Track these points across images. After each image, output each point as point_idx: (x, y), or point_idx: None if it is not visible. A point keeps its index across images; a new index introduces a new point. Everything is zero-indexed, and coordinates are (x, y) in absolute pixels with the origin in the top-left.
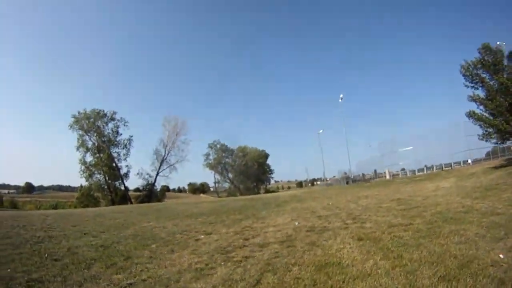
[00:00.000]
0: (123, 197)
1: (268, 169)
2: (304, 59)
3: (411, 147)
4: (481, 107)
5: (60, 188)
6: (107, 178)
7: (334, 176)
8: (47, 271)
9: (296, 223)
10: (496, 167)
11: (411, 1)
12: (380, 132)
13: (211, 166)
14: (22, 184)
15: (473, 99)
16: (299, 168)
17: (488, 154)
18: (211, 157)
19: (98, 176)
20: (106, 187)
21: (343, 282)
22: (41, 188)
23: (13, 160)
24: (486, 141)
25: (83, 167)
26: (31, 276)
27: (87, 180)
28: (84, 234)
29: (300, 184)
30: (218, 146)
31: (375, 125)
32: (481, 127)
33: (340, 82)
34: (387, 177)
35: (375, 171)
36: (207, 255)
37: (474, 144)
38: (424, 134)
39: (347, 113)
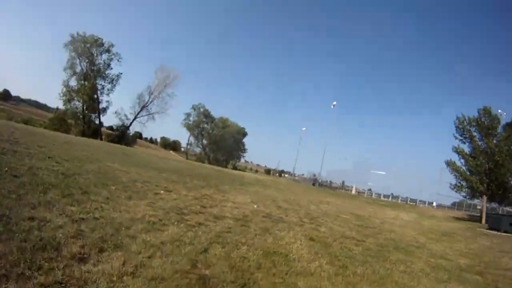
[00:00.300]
0: (95, 131)
1: (242, 147)
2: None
3: (384, 172)
4: (462, 160)
5: (37, 105)
6: (84, 107)
7: (303, 175)
8: (3, 185)
9: (255, 206)
10: (457, 218)
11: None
12: (360, 149)
13: (189, 127)
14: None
15: (457, 151)
16: (271, 157)
17: (454, 204)
18: (191, 118)
19: (77, 103)
20: (81, 116)
21: (286, 274)
22: (17, 99)
23: None
24: (456, 191)
25: (64, 89)
26: None
27: (64, 104)
28: (49, 157)
29: (268, 172)
30: (201, 109)
31: (358, 140)
32: (456, 178)
33: (340, 89)
34: (353, 192)
35: (343, 182)
36: (162, 211)
37: (444, 190)
38: (400, 165)
39: (336, 120)
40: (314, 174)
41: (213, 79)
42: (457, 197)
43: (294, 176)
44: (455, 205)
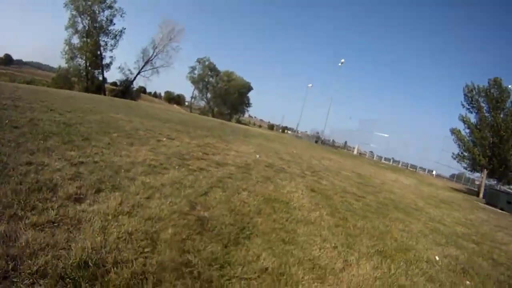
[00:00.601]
0: (98, 87)
1: (247, 102)
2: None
3: (387, 135)
4: (467, 131)
5: (39, 66)
6: (87, 64)
7: (306, 132)
8: (3, 135)
9: (257, 156)
10: (455, 189)
11: None
12: (365, 110)
13: (193, 81)
14: (1, 55)
15: (463, 119)
16: (275, 113)
17: (452, 176)
18: (196, 71)
19: (80, 60)
20: (84, 73)
21: (286, 220)
22: (20, 62)
23: None
24: (458, 162)
25: (67, 48)
26: None
27: (67, 62)
28: (51, 110)
29: (271, 127)
30: (206, 62)
31: (364, 102)
32: (459, 147)
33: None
34: (355, 152)
35: (345, 142)
36: (164, 156)
37: (445, 161)
38: (403, 130)
39: (345, 78)
40: (317, 132)
41: (219, 32)
42: (457, 169)
43: (297, 132)
44: (454, 177)
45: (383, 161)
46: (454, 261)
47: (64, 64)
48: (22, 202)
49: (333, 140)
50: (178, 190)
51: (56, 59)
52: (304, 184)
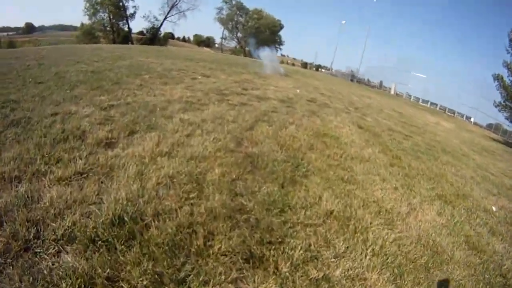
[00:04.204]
0: (125, 38)
1: (278, 40)
2: None
3: (425, 76)
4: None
5: (63, 28)
6: (111, 17)
7: (341, 70)
8: (26, 92)
9: (298, 91)
10: (494, 139)
11: None
12: (403, 47)
13: (222, 21)
14: (22, 25)
15: (508, 66)
16: (307, 50)
17: (489, 125)
18: (224, 12)
19: (102, 15)
20: (109, 27)
21: (341, 156)
22: (42, 28)
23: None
24: (499, 111)
25: (87, 4)
26: (8, 97)
27: (90, 19)
28: (77, 62)
29: (305, 65)
30: (233, 1)
31: (402, 38)
32: (501, 95)
33: None
34: (392, 92)
35: (381, 82)
36: (201, 92)
37: (483, 108)
38: (442, 71)
39: (380, 13)
40: (351, 70)
41: None
42: (494, 118)
43: (332, 70)
44: (491, 127)
45: (420, 102)
46: (510, 214)
47: (87, 21)
48: (46, 155)
49: (368, 79)
50: (221, 125)
51: (79, 18)
52: (349, 120)
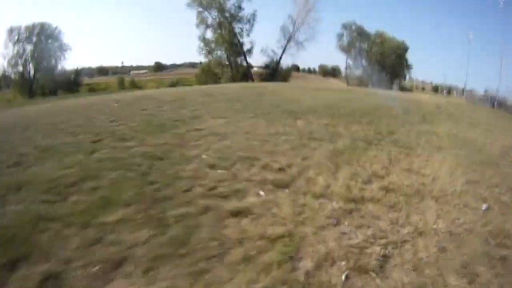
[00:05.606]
0: (244, 74)
1: (406, 63)
2: None
3: None
4: None
5: (192, 65)
6: (228, 54)
7: (472, 91)
8: None
9: (484, 206)
10: None
11: None
12: None
13: (344, 49)
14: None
15: None
16: (434, 69)
17: None
18: (344, 38)
19: (219, 52)
20: (227, 63)
21: None
22: (173, 66)
23: (142, 41)
24: None
25: (202, 44)
26: None
27: (206, 57)
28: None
29: (435, 89)
30: (353, 27)
31: None
32: None
33: None
34: None
35: None
36: None
37: None
38: None
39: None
40: (487, 91)
41: None
42: None
43: (464, 94)
44: None
45: None
46: None
47: (203, 60)
48: None
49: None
50: None
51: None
52: None
